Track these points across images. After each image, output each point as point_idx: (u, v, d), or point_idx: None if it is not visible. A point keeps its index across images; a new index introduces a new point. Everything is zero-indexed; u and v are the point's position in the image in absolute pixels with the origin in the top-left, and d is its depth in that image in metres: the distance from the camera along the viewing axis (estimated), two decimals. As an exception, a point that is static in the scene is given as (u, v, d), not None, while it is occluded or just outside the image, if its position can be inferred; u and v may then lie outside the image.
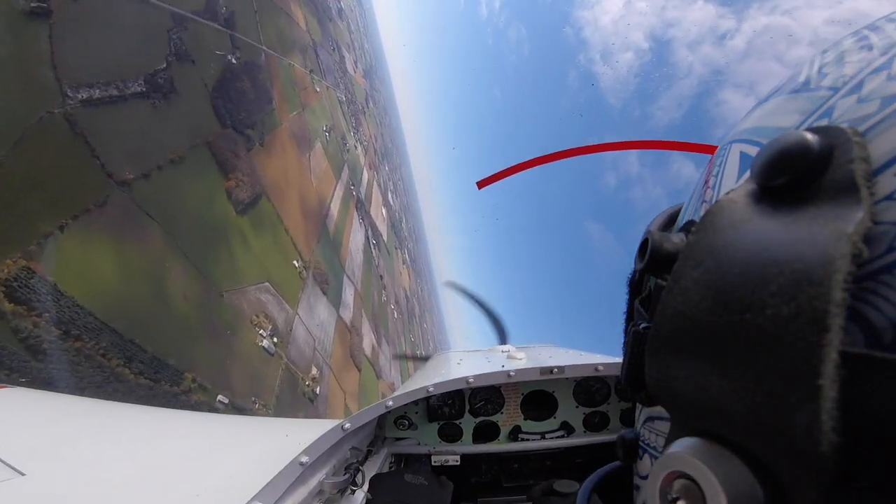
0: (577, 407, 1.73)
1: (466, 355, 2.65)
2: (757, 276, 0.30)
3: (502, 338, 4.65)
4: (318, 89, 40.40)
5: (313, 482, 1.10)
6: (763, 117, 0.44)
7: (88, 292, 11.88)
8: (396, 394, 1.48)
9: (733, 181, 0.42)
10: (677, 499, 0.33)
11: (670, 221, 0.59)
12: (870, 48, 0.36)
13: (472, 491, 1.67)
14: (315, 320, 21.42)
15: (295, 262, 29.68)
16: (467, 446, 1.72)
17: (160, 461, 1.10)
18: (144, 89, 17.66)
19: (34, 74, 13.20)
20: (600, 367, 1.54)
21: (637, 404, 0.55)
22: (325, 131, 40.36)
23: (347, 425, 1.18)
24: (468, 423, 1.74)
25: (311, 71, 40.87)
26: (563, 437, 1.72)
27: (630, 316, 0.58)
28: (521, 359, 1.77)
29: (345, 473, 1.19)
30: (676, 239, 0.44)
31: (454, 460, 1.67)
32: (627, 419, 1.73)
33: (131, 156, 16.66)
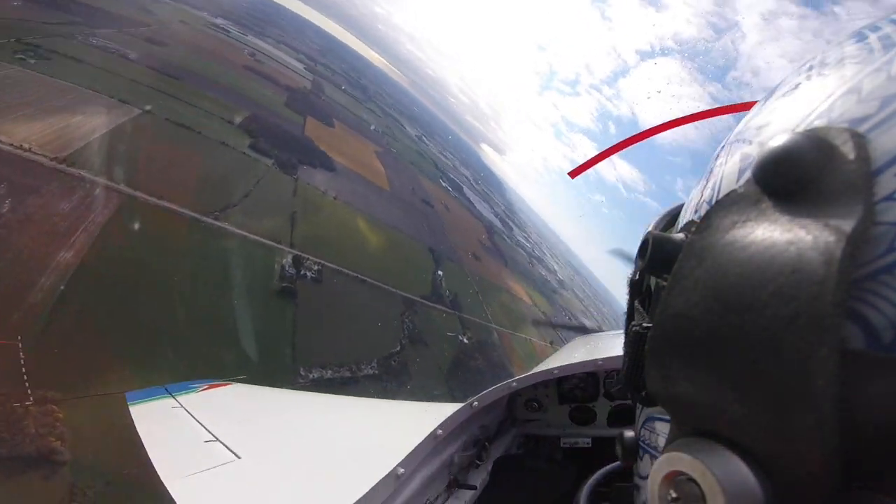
0: None
1: (608, 338, 3.07)
2: (757, 277, 0.30)
3: None
4: (567, 363, 37.97)
5: (445, 454, 1.31)
6: (764, 118, 0.44)
7: None
8: (524, 375, 1.66)
9: (734, 181, 0.41)
10: (677, 498, 0.33)
11: (671, 222, 0.59)
12: (870, 49, 0.37)
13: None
14: None
15: None
16: (601, 429, 1.81)
17: (335, 435, 1.70)
18: (377, 372, 19.16)
19: (275, 351, 15.53)
20: None
21: (637, 405, 0.55)
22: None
23: (476, 403, 1.34)
24: (603, 407, 1.83)
25: (551, 342, 40.84)
26: None
27: (630, 316, 0.57)
28: None
29: (473, 448, 1.40)
30: (677, 239, 0.43)
31: (584, 443, 1.79)
32: None
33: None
